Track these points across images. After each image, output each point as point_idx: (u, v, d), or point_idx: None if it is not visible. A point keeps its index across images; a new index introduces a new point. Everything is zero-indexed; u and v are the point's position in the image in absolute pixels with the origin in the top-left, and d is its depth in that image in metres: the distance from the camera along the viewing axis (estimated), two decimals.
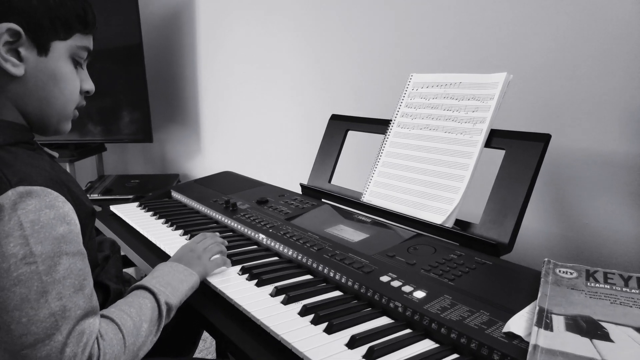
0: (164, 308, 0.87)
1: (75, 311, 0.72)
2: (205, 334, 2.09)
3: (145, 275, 0.95)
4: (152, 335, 0.84)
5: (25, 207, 0.72)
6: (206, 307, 0.96)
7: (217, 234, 1.15)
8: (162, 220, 1.40)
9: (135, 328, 0.80)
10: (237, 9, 2.35)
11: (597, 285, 0.85)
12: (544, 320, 0.75)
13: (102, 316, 0.79)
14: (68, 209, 0.77)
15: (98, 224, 1.48)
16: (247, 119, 2.41)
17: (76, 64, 0.89)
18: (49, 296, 0.71)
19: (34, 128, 0.89)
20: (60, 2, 0.83)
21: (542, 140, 1.03)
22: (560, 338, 0.71)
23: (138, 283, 0.90)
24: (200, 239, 1.09)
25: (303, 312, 0.86)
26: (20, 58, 0.81)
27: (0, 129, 0.81)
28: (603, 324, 0.74)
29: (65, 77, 0.86)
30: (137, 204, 1.58)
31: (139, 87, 2.66)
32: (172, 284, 0.92)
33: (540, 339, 0.71)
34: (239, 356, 0.83)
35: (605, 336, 0.71)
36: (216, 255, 1.07)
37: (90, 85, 0.93)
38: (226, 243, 1.13)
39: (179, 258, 1.02)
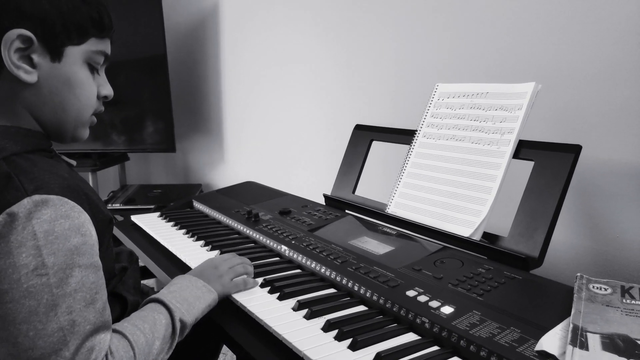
0: (178, 325, 0.85)
1: (84, 326, 0.71)
2: (225, 348, 2.08)
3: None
4: (163, 353, 0.82)
5: (40, 216, 0.71)
6: (226, 320, 0.94)
7: (247, 259, 1.11)
8: (183, 230, 1.39)
9: (147, 345, 0.79)
10: (262, 17, 2.35)
11: (634, 302, 0.82)
12: (578, 339, 0.72)
13: (115, 331, 0.78)
14: (84, 219, 0.76)
15: (118, 234, 1.48)
16: (270, 129, 2.41)
17: (92, 69, 0.87)
18: (58, 310, 0.69)
19: (51, 135, 0.87)
20: (73, 6, 0.81)
21: (573, 151, 1.00)
22: (596, 358, 0.68)
23: (154, 296, 0.89)
24: (228, 257, 1.07)
25: (326, 328, 0.84)
26: (33, 65, 0.79)
27: (18, 137, 0.80)
28: None
29: (81, 82, 0.85)
30: (158, 214, 1.58)
31: (162, 97, 2.68)
32: (189, 301, 0.90)
33: (576, 359, 0.68)
34: None
35: None
36: (242, 276, 1.03)
37: (108, 91, 0.91)
38: (252, 266, 1.09)
39: (200, 272, 1.00)
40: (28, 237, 0.69)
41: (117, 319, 0.92)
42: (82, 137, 0.91)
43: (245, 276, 1.03)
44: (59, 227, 0.71)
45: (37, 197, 0.71)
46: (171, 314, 0.85)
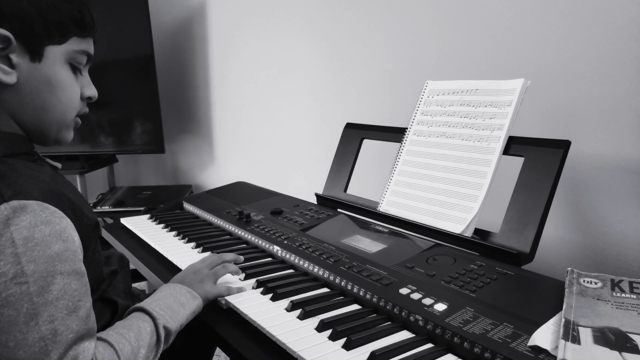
0: (162, 333, 0.84)
1: (67, 335, 0.69)
2: (219, 351, 2.07)
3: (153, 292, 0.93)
4: None
5: (18, 223, 0.68)
6: (219, 322, 0.94)
7: (228, 255, 1.10)
8: (174, 232, 1.39)
9: (133, 353, 0.77)
10: (250, 16, 2.35)
11: (624, 295, 0.82)
12: (570, 333, 0.73)
13: (100, 339, 0.76)
14: (66, 224, 0.73)
15: (108, 237, 1.47)
16: (260, 129, 2.40)
17: (75, 69, 0.85)
18: (39, 319, 0.67)
19: (33, 138, 0.85)
20: (53, 4, 0.79)
21: (562, 147, 1.00)
22: (588, 351, 0.69)
23: (137, 305, 0.87)
24: (208, 259, 1.05)
25: (320, 328, 0.84)
26: (12, 65, 0.77)
27: None
28: (632, 336, 0.72)
29: (62, 83, 0.82)
30: (148, 216, 1.57)
31: (150, 98, 2.66)
32: (173, 308, 0.89)
33: (568, 353, 0.68)
34: None
35: (635, 349, 0.69)
36: (226, 275, 1.03)
37: (92, 91, 0.89)
38: (241, 259, 1.10)
39: (182, 280, 0.98)
40: (6, 244, 0.67)
41: (107, 324, 0.91)
42: (66, 139, 0.89)
43: (228, 282, 1.03)
44: (38, 234, 0.69)
45: (15, 203, 0.69)
46: (155, 322, 0.84)
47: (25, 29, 0.77)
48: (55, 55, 0.81)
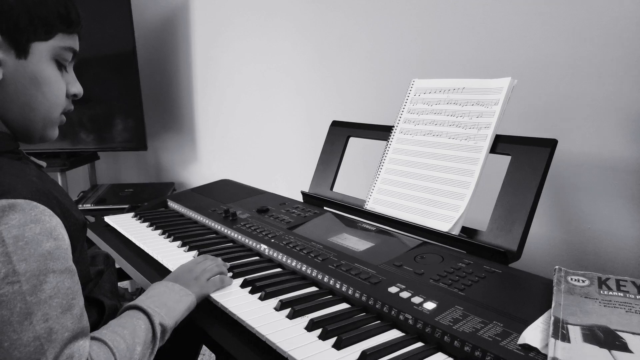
0: (158, 329, 0.83)
1: (62, 333, 0.69)
2: (205, 348, 2.06)
3: (141, 290, 0.92)
4: (145, 358, 0.80)
5: (8, 222, 0.68)
6: (207, 322, 0.93)
7: (219, 259, 1.09)
8: (159, 231, 1.37)
9: (128, 351, 0.76)
10: (235, 12, 2.33)
11: (611, 293, 0.83)
12: (560, 331, 0.73)
13: (94, 338, 0.75)
14: (55, 222, 0.73)
15: (92, 236, 1.45)
16: (244, 126, 2.39)
17: (60, 66, 0.84)
18: (33, 318, 0.67)
19: (18, 136, 0.84)
20: (39, 0, 0.78)
21: (549, 145, 1.01)
22: (578, 349, 0.69)
23: (132, 303, 0.87)
24: (201, 260, 1.05)
25: (310, 327, 0.83)
26: None
27: None
28: (620, 333, 0.72)
29: (48, 80, 0.82)
30: (132, 214, 1.55)
31: (132, 94, 2.63)
32: (168, 305, 0.88)
33: (559, 351, 0.69)
34: None
35: (623, 347, 0.70)
36: (216, 276, 1.02)
37: (77, 89, 0.89)
38: (227, 265, 1.08)
39: (176, 278, 0.98)
40: None
41: (94, 324, 0.90)
42: (51, 137, 0.88)
43: (220, 275, 1.02)
44: (29, 232, 0.69)
45: (3, 202, 0.68)
46: (150, 319, 0.83)
47: (11, 24, 0.76)
48: (41, 51, 0.80)
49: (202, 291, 0.96)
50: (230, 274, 1.06)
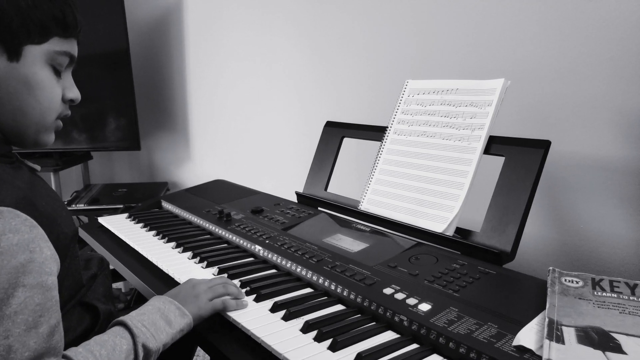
0: (140, 352, 0.78)
1: (22, 353, 0.64)
2: (199, 350, 2.05)
3: (135, 291, 0.90)
4: None
5: None
6: (201, 323, 0.92)
7: (234, 281, 1.01)
8: (154, 232, 1.37)
9: None
10: (228, 11, 2.32)
11: (604, 294, 0.84)
12: (554, 333, 0.73)
13: (65, 357, 0.71)
14: (36, 234, 0.70)
15: (86, 237, 1.44)
16: (238, 125, 2.38)
17: (56, 70, 0.82)
18: None
19: (11, 140, 0.82)
20: (33, 3, 0.76)
21: (542, 146, 1.01)
22: (573, 351, 0.70)
23: (121, 318, 0.82)
24: (211, 278, 0.99)
25: (306, 329, 0.83)
26: None
27: None
28: (614, 335, 0.73)
29: (42, 84, 0.79)
30: (126, 215, 1.54)
31: (125, 93, 2.62)
32: (157, 325, 0.83)
33: (553, 352, 0.69)
34: None
35: (617, 348, 0.70)
36: (219, 297, 0.94)
37: (74, 94, 0.86)
38: (238, 288, 0.98)
39: (177, 293, 0.93)
40: None
41: (87, 330, 0.89)
42: (46, 142, 0.86)
43: (226, 297, 0.94)
44: (5, 242, 0.66)
45: None
46: (134, 340, 0.79)
47: (3, 27, 0.74)
48: (35, 55, 0.78)
49: (200, 312, 0.90)
50: (245, 299, 0.96)
